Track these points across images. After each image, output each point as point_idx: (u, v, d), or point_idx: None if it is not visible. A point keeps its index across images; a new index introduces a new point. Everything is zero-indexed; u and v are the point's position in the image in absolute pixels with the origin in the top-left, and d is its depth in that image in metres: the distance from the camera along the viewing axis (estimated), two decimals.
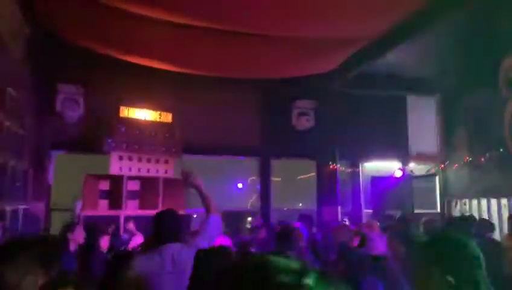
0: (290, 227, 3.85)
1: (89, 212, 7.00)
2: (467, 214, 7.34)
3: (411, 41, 6.67)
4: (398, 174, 9.22)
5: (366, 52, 7.06)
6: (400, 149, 9.45)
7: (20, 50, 6.01)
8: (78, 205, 7.31)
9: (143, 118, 7.80)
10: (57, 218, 7.76)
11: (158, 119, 7.91)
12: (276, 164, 9.57)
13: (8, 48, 5.44)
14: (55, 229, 7.36)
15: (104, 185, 7.56)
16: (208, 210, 3.25)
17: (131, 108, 7.72)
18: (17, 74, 5.91)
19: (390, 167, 9.56)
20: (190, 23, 5.87)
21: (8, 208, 5.45)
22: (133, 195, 7.60)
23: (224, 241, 4.86)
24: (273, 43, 6.47)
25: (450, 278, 1.52)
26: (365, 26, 6.22)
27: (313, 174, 9.88)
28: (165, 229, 3.03)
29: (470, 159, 7.77)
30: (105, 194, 7.50)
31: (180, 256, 2.90)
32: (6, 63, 5.39)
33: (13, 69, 5.75)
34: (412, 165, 9.50)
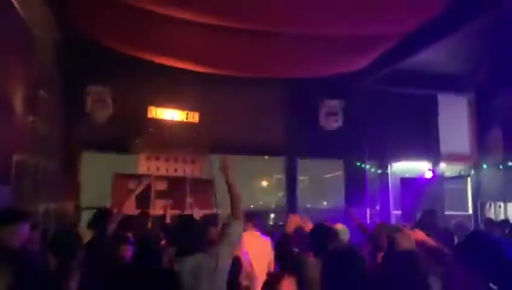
0: (326, 226, 3.72)
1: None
2: (501, 217, 7.11)
3: (443, 38, 6.48)
4: (429, 175, 8.99)
5: (397, 50, 6.89)
6: (430, 149, 9.21)
7: (51, 53, 6.10)
8: (108, 204, 7.40)
9: (170, 118, 7.83)
10: (86, 217, 7.87)
11: (185, 119, 7.94)
12: (302, 161, 9.48)
13: (40, 51, 5.53)
14: (84, 227, 7.48)
15: (133, 185, 7.62)
16: (233, 214, 3.10)
17: (159, 108, 7.77)
18: (48, 76, 6.00)
19: (420, 167, 9.34)
20: (218, 23, 5.84)
21: (41, 208, 5.55)
22: (161, 195, 7.65)
23: (266, 239, 4.79)
24: (302, 43, 6.38)
25: (494, 287, 1.43)
26: (396, 24, 6.07)
27: (340, 173, 9.75)
28: (180, 241, 2.93)
29: (506, 160, 7.50)
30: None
31: (199, 270, 2.78)
32: (38, 66, 5.48)
33: (45, 71, 5.84)
34: (442, 166, 9.25)
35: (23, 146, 4.90)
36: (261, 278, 3.92)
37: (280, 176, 11.75)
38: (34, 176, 5.26)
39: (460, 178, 8.91)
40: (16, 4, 4.44)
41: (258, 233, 4.79)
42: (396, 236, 3.12)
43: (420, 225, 5.57)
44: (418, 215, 7.95)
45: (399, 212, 9.16)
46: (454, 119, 9.16)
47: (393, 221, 8.64)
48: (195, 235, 2.92)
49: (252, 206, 12.29)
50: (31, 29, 5.03)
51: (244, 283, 3.94)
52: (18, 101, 4.70)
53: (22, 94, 4.80)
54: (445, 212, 8.58)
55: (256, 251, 4.49)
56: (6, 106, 4.43)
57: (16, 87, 4.69)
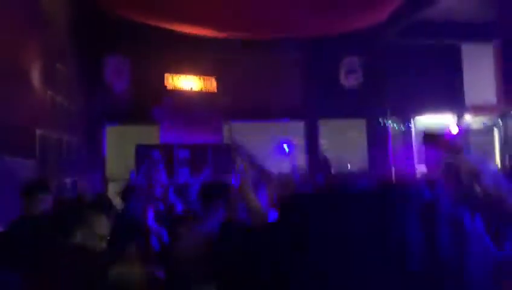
0: None
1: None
2: None
3: None
4: (455, 130, 8.76)
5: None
6: (454, 101, 8.93)
7: (67, 26, 6.07)
8: (133, 175, 7.51)
9: (189, 87, 7.80)
10: (113, 188, 8.02)
11: (203, 87, 7.90)
12: (324, 123, 9.36)
13: (55, 24, 5.50)
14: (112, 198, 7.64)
15: (156, 154, 7.70)
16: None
17: (177, 76, 7.73)
18: (64, 49, 5.99)
19: (445, 120, 9.10)
20: None
21: (68, 181, 5.66)
22: (183, 163, 7.71)
23: None
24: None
25: None
26: None
27: (362, 132, 9.59)
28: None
29: None
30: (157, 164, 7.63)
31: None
32: (53, 39, 5.46)
33: (61, 44, 5.82)
34: (468, 118, 8.98)
35: (45, 121, 4.96)
36: None
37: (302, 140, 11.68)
38: (58, 150, 5.35)
39: (488, 130, 8.66)
40: None
41: None
42: None
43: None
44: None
45: (423, 166, 9.02)
46: (479, 69, 8.82)
47: (418, 176, 8.52)
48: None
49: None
50: (44, 3, 5.00)
51: None
52: (36, 77, 4.73)
53: (40, 69, 4.81)
54: None
55: None
56: (24, 82, 4.46)
57: (33, 62, 4.70)
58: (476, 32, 8.29)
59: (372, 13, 7.02)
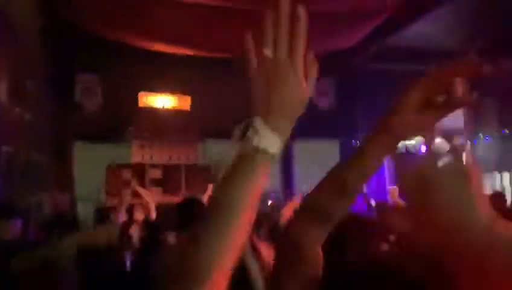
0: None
1: (112, 202, 7.02)
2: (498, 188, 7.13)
3: (435, 11, 6.39)
4: (424, 150, 8.97)
5: (387, 25, 6.80)
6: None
7: (36, 41, 5.97)
8: (102, 195, 7.36)
9: (162, 105, 7.74)
10: (82, 208, 7.81)
11: (177, 105, 7.85)
12: (297, 144, 9.41)
13: (23, 39, 5.40)
14: (80, 217, 7.44)
15: (127, 174, 7.57)
16: None
17: (150, 95, 7.66)
18: (34, 65, 5.87)
19: (415, 142, 9.30)
20: (207, 3, 5.73)
21: (33, 200, 5.48)
22: (155, 183, 7.59)
23: None
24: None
25: None
26: None
27: (335, 153, 9.69)
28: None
29: (500, 130, 7.49)
30: (127, 183, 7.50)
31: None
32: (22, 55, 5.35)
33: (30, 60, 5.71)
34: (437, 140, 9.20)
35: (11, 138, 4.82)
36: None
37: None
38: (24, 168, 5.19)
39: (456, 152, 8.88)
40: None
41: None
42: None
43: None
44: None
45: (395, 187, 9.16)
46: None
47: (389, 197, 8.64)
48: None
49: None
50: (13, 18, 4.90)
51: None
52: (3, 93, 4.60)
53: (8, 85, 4.69)
54: None
55: None
56: None
57: (1, 78, 4.58)
58: (443, 59, 8.56)
59: (343, 38, 7.19)
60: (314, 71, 0.83)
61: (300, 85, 0.78)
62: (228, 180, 0.71)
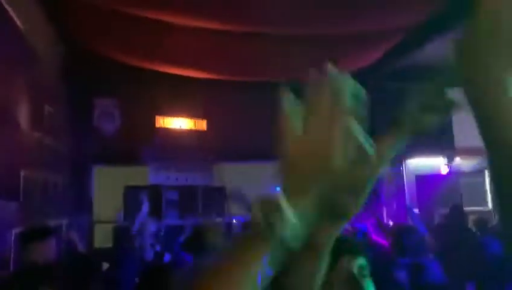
0: None
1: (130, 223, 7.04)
2: None
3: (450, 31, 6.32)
4: (444, 171, 8.79)
5: (402, 45, 6.75)
6: (444, 144, 8.99)
7: (55, 66, 6.10)
8: (121, 217, 7.38)
9: (178, 127, 7.79)
10: (100, 230, 7.84)
11: (193, 128, 7.89)
12: None
13: (43, 65, 5.52)
14: (98, 241, 7.47)
15: (143, 196, 7.59)
16: None
17: (167, 117, 7.73)
18: (53, 90, 5.99)
19: (435, 163, 9.13)
20: (222, 28, 5.79)
21: (52, 223, 5.50)
22: (172, 204, 7.59)
23: None
24: (305, 43, 6.29)
25: None
26: (400, 17, 5.96)
27: None
28: None
29: None
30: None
31: None
32: (42, 80, 5.46)
33: (49, 85, 5.82)
34: (458, 161, 9.02)
35: (31, 162, 4.87)
36: None
37: None
38: (43, 192, 5.23)
39: (478, 172, 8.67)
40: (16, 19, 4.43)
41: None
42: None
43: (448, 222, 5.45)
44: (437, 213, 7.77)
45: (416, 210, 8.95)
46: (468, 112, 8.91)
47: (410, 220, 8.44)
48: None
49: None
50: (33, 44, 5.03)
51: None
52: (24, 117, 4.68)
53: (28, 110, 4.78)
54: (464, 208, 8.36)
55: None
56: (12, 123, 4.40)
57: (21, 104, 4.67)
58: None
59: (359, 58, 7.17)
60: (384, 151, 0.75)
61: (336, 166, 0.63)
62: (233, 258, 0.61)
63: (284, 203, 0.60)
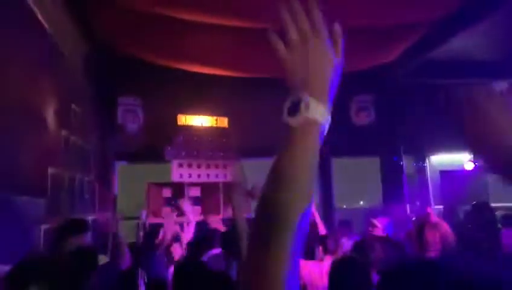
0: None
1: (154, 220, 7.15)
2: None
3: (473, 25, 6.18)
4: (469, 166, 8.62)
5: (428, 39, 6.64)
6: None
7: (80, 66, 6.22)
8: (144, 213, 7.48)
9: (200, 125, 7.84)
10: (124, 226, 7.98)
11: (215, 125, 7.93)
12: (337, 161, 9.28)
13: (69, 65, 5.64)
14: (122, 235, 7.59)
15: (167, 193, 7.69)
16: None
17: (189, 115, 7.79)
18: (79, 89, 6.11)
19: (460, 159, 8.96)
20: (245, 26, 5.80)
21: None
22: (195, 201, 7.65)
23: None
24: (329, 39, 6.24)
25: None
26: (425, 11, 5.86)
27: (376, 170, 9.48)
28: None
29: None
30: (168, 201, 7.62)
31: None
32: (68, 80, 5.58)
33: (75, 85, 5.95)
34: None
35: (58, 159, 4.99)
36: None
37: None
38: (70, 189, 5.35)
39: None
40: (42, 21, 4.53)
41: None
42: None
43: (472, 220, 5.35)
44: (461, 209, 7.63)
45: (440, 207, 8.81)
46: None
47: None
48: None
49: None
50: (58, 44, 5.14)
51: None
52: (51, 116, 4.79)
53: (54, 109, 4.89)
54: (491, 204, 8.18)
55: None
56: (39, 121, 4.52)
57: (48, 103, 4.78)
58: (489, 70, 8.26)
59: (383, 53, 7.08)
60: (339, 37, 0.97)
61: (328, 53, 0.92)
62: (290, 151, 0.86)
63: (306, 96, 0.86)
